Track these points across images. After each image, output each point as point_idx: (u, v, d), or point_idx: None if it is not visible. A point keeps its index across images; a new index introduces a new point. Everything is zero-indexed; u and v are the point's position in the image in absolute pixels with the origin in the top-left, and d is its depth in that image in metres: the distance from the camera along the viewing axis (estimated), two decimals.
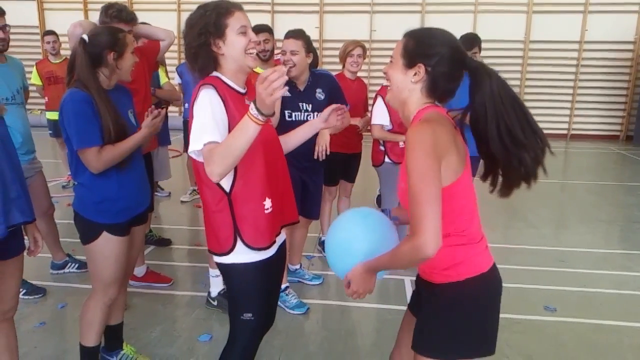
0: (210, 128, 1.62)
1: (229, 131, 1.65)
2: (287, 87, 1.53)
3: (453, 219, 1.47)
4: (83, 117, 2.11)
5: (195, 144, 1.62)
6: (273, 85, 1.44)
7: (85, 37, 2.19)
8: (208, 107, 1.65)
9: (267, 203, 1.78)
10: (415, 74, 1.49)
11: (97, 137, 2.12)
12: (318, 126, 2.03)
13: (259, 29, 3.46)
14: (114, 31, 2.28)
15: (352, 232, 1.61)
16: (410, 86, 1.51)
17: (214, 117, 1.65)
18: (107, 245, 2.23)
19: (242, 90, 1.81)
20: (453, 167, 1.44)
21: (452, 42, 1.50)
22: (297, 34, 3.07)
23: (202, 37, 1.71)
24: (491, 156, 1.49)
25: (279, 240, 1.93)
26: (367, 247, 1.54)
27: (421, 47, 1.49)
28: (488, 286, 1.55)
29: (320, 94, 3.15)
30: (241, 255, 1.79)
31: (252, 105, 1.51)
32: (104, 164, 2.14)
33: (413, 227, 1.34)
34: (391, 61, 1.58)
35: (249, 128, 1.52)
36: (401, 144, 3.71)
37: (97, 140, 2.12)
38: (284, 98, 3.00)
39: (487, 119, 1.44)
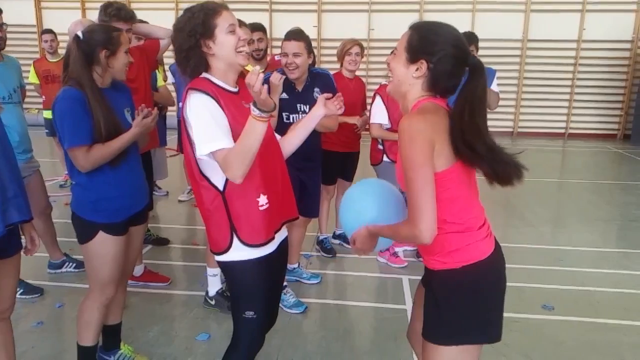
0: (217, 134, 1.66)
1: (231, 130, 1.69)
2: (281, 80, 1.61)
3: (447, 206, 1.49)
4: (73, 115, 2.10)
5: (203, 149, 1.66)
6: (254, 89, 1.54)
7: (80, 34, 2.17)
8: (207, 113, 1.68)
9: (262, 200, 1.78)
10: (417, 69, 1.51)
11: (87, 136, 2.11)
12: (319, 114, 1.98)
13: (253, 28, 3.44)
14: (108, 29, 2.27)
15: (364, 202, 1.71)
16: (411, 80, 1.54)
17: (216, 122, 1.68)
18: (104, 245, 2.22)
19: (234, 89, 1.81)
20: (445, 154, 1.46)
21: (456, 40, 1.51)
22: (298, 36, 3.05)
23: (192, 39, 1.72)
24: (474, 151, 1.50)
25: (280, 237, 1.93)
26: (375, 216, 1.64)
27: (425, 43, 1.50)
28: (485, 273, 1.56)
29: (317, 94, 3.14)
30: (239, 252, 1.80)
31: (252, 107, 1.59)
32: (92, 163, 2.13)
33: (411, 215, 1.43)
34: (394, 53, 1.59)
35: (257, 127, 1.61)
36: None
37: (86, 139, 2.11)
38: (281, 100, 2.99)
39: (472, 111, 1.47)
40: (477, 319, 1.55)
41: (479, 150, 1.45)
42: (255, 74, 1.53)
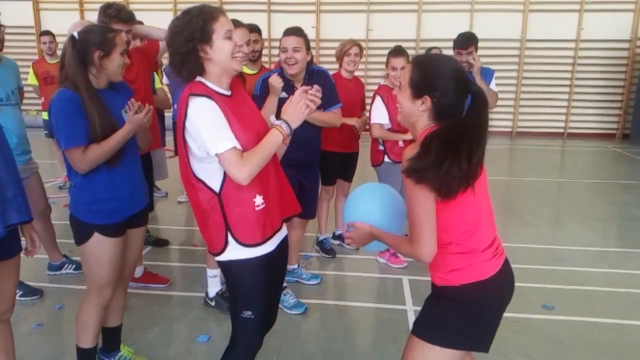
0: (226, 135, 1.70)
1: None
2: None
3: (450, 230, 1.59)
4: (69, 116, 2.10)
5: (213, 150, 1.68)
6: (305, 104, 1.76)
7: (76, 34, 2.17)
8: (212, 116, 1.71)
9: (258, 200, 1.81)
10: (422, 103, 1.60)
11: (82, 137, 2.10)
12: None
13: (249, 29, 3.44)
14: (104, 30, 2.25)
15: (370, 204, 1.82)
16: (418, 113, 1.63)
17: (223, 123, 1.72)
18: (99, 246, 2.21)
19: (227, 93, 1.83)
20: None
21: (456, 73, 1.60)
22: (298, 32, 3.07)
23: (190, 43, 1.73)
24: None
25: (279, 236, 1.94)
26: (379, 219, 1.76)
27: (426, 80, 1.59)
28: (485, 292, 1.63)
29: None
30: (235, 252, 1.81)
31: (283, 124, 1.76)
32: (88, 163, 2.12)
33: (412, 237, 1.57)
34: (400, 87, 1.68)
35: (279, 139, 1.76)
36: (400, 143, 3.71)
37: (82, 140, 2.10)
38: (281, 99, 2.98)
39: (470, 137, 1.53)
40: (469, 331, 1.64)
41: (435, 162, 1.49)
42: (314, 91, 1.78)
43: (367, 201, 1.83)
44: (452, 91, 1.57)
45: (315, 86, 1.84)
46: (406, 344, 1.75)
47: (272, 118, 1.88)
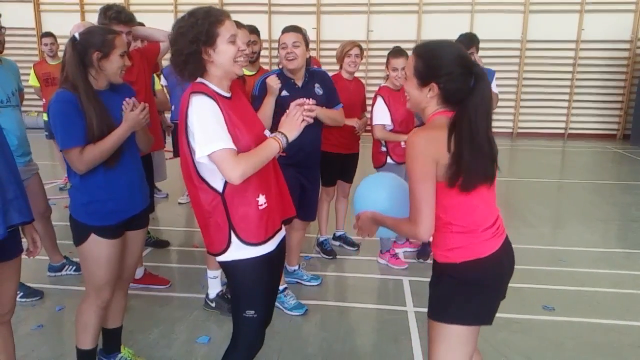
0: (220, 135, 1.71)
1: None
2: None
3: (450, 210, 1.65)
4: (66, 117, 2.10)
5: (205, 149, 1.69)
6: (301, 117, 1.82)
7: (77, 35, 2.17)
8: (210, 115, 1.72)
9: (261, 199, 1.83)
10: (429, 90, 1.65)
11: (79, 137, 2.10)
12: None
13: (249, 30, 3.45)
14: (104, 32, 2.24)
15: (377, 193, 1.89)
16: (426, 100, 1.68)
17: (219, 124, 1.73)
18: (97, 248, 2.20)
19: (227, 95, 1.85)
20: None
21: (460, 58, 1.64)
22: (296, 28, 3.10)
23: (194, 45, 1.74)
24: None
25: (279, 236, 1.96)
26: (386, 207, 1.83)
27: (430, 68, 1.65)
28: (484, 269, 1.68)
29: (318, 89, 3.15)
30: (238, 251, 1.83)
31: (280, 135, 1.80)
32: (85, 164, 2.12)
33: (412, 216, 1.64)
34: (405, 77, 1.75)
35: (276, 148, 1.79)
36: (403, 144, 3.70)
37: (79, 140, 2.10)
38: (283, 97, 2.99)
39: (477, 117, 1.60)
40: (471, 305, 1.68)
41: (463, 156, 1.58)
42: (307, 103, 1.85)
43: (374, 190, 1.90)
44: (458, 75, 1.62)
45: (310, 99, 1.90)
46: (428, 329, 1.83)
47: (267, 132, 1.92)
